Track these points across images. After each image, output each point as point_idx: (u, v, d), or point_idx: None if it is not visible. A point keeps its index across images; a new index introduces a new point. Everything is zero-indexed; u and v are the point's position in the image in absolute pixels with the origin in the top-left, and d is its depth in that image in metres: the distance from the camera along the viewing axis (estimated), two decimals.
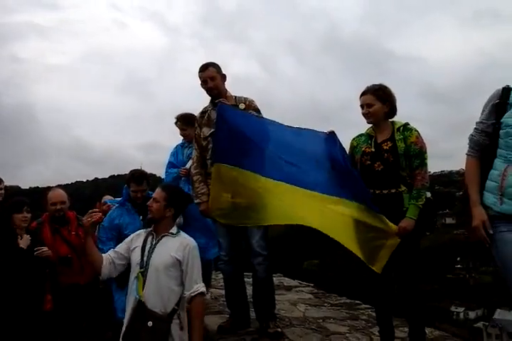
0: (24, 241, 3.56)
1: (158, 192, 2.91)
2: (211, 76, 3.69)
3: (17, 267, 3.44)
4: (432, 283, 40.99)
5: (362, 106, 3.28)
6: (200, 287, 2.77)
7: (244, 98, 3.81)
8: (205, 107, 3.88)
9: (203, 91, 3.80)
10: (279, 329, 3.70)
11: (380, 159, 3.20)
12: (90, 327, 3.85)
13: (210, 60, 3.81)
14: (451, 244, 45.58)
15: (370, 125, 3.36)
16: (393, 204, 3.13)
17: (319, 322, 4.20)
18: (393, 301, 3.29)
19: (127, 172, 4.09)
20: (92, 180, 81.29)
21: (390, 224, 3.09)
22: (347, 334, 3.88)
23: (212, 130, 3.66)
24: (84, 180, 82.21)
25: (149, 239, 2.87)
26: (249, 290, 3.94)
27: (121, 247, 2.95)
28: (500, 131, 2.36)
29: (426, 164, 3.17)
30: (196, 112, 4.04)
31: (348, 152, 3.41)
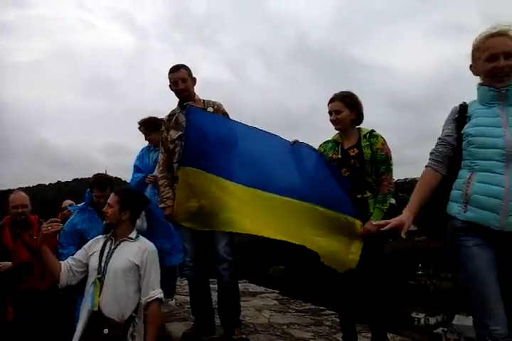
0: None
1: (111, 197, 2.90)
2: (182, 78, 3.66)
3: None
4: (395, 289, 41.82)
5: (330, 112, 3.31)
6: (157, 293, 2.72)
7: (213, 102, 3.79)
8: (173, 110, 3.83)
9: (171, 93, 3.76)
10: (244, 336, 3.66)
11: (347, 165, 3.24)
12: (51, 335, 3.71)
13: (179, 61, 3.78)
14: (412, 250, 46.66)
15: (337, 131, 3.40)
16: (358, 210, 3.17)
17: (284, 329, 4.19)
18: (357, 307, 3.32)
19: (91, 176, 4.00)
20: (55, 183, 79.56)
21: (357, 226, 3.14)
22: (311, 340, 3.88)
23: (180, 133, 3.62)
24: (47, 183, 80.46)
25: (108, 244, 2.82)
26: (215, 296, 3.89)
27: (79, 254, 2.88)
28: (463, 143, 2.38)
29: (391, 170, 3.23)
30: (163, 115, 4.00)
31: None
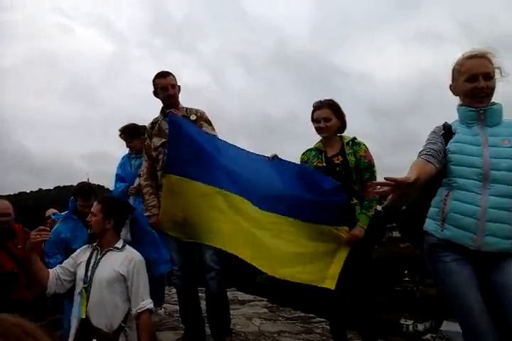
0: None
1: (94, 206, 2.91)
2: (172, 83, 3.64)
3: None
4: (382, 296, 41.88)
5: (318, 120, 3.27)
6: (147, 303, 2.69)
7: (196, 109, 3.76)
8: (156, 118, 3.80)
9: (152, 100, 3.74)
10: None
11: (332, 173, 3.23)
12: None
13: (159, 68, 3.74)
14: (398, 257, 46.87)
15: (318, 139, 3.39)
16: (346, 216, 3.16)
17: (275, 337, 4.16)
18: (347, 314, 3.30)
19: (73, 184, 3.96)
20: (36, 191, 78.63)
21: (342, 233, 3.13)
22: None
23: (164, 140, 3.59)
24: (28, 191, 79.42)
25: (94, 253, 2.81)
26: (204, 305, 3.84)
27: (67, 262, 2.86)
28: (446, 158, 2.38)
29: (375, 176, 3.25)
30: (144, 121, 3.97)
31: None
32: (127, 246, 2.87)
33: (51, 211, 5.88)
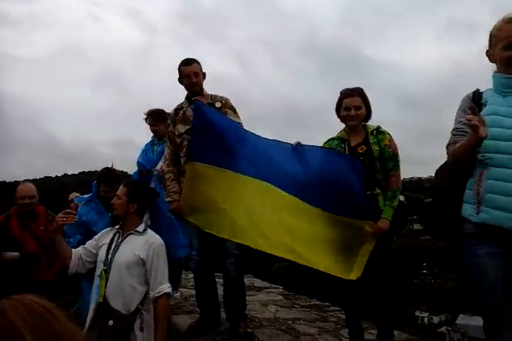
0: None
1: (120, 189, 2.93)
2: (195, 71, 3.64)
3: None
4: (399, 287, 41.70)
5: (348, 107, 3.19)
6: (165, 287, 2.72)
7: (220, 97, 3.77)
8: (180, 104, 3.81)
9: (179, 88, 3.74)
10: (250, 330, 3.67)
11: None
12: None
13: (187, 56, 3.75)
14: (417, 249, 46.46)
15: (342, 127, 3.34)
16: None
17: (289, 324, 4.18)
18: (363, 304, 3.30)
19: (98, 169, 3.99)
20: (62, 176, 79.93)
21: (366, 226, 3.10)
22: (316, 336, 3.87)
23: (188, 127, 3.60)
24: (53, 176, 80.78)
25: (116, 236, 2.84)
26: (220, 290, 3.89)
27: (90, 244, 2.90)
28: None
29: (399, 166, 3.20)
30: (168, 109, 3.97)
31: None
32: (149, 230, 2.89)
33: (74, 195, 6.00)
